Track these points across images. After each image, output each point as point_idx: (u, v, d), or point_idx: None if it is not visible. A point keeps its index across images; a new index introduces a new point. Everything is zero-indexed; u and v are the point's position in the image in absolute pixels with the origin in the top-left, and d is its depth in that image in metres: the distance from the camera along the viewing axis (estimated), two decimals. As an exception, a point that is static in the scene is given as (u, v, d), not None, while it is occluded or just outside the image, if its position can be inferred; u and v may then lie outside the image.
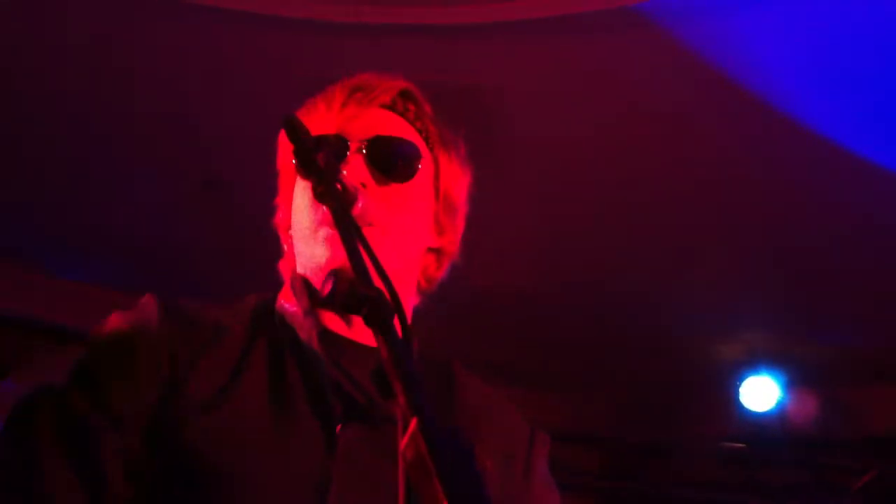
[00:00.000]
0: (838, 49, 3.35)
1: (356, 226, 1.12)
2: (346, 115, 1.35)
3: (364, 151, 1.30)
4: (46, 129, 3.98)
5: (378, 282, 1.03)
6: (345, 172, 1.24)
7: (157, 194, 4.36)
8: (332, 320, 1.30)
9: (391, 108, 1.38)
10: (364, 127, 1.33)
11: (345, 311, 1.01)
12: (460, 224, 1.42)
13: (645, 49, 3.44)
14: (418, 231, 1.35)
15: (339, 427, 1.20)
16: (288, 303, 1.33)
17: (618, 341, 5.34)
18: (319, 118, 1.35)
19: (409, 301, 1.38)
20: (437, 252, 1.40)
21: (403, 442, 0.81)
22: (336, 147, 1.28)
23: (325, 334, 1.28)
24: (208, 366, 1.23)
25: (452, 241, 1.40)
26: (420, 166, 1.34)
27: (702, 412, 5.72)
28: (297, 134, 1.19)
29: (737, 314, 5.12)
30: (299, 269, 1.34)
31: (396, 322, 0.99)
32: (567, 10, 3.30)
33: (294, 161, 1.25)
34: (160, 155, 4.11)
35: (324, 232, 1.26)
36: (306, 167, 1.19)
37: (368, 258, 1.07)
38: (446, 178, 1.39)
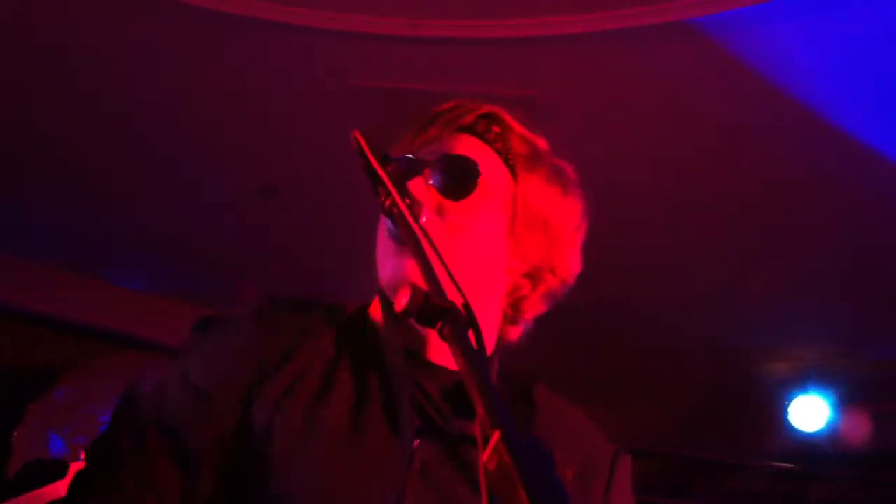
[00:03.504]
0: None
1: (428, 238, 1.13)
2: (424, 139, 1.37)
3: (427, 170, 1.32)
4: (104, 139, 4.05)
5: (452, 295, 1.04)
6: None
7: (215, 202, 4.42)
8: (411, 339, 1.31)
9: (471, 129, 1.38)
10: (434, 148, 1.35)
11: (420, 324, 1.02)
12: (559, 248, 1.38)
13: (699, 62, 3.42)
14: (482, 249, 1.33)
15: (416, 442, 1.22)
16: (376, 317, 1.36)
17: (665, 357, 5.30)
18: (401, 143, 1.38)
19: (488, 318, 1.36)
20: (530, 276, 1.37)
21: (486, 454, 0.81)
22: (403, 167, 1.28)
23: (405, 352, 1.30)
24: (292, 373, 1.26)
25: (547, 265, 1.37)
26: (478, 184, 1.32)
27: (750, 430, 5.65)
28: (365, 148, 1.22)
29: (785, 331, 5.06)
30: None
31: (472, 335, 1.00)
32: (621, 24, 3.30)
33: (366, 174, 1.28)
34: (218, 163, 4.17)
35: (390, 248, 1.28)
36: (374, 181, 1.21)
37: (441, 270, 1.08)
38: (530, 197, 1.37)
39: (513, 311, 1.39)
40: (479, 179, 1.32)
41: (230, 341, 1.30)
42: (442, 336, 0.99)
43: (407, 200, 1.19)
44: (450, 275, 1.10)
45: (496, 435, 0.81)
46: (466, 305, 1.02)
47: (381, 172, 1.21)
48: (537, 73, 3.48)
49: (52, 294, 5.13)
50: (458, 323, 0.99)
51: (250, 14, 3.27)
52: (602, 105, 3.63)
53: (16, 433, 4.43)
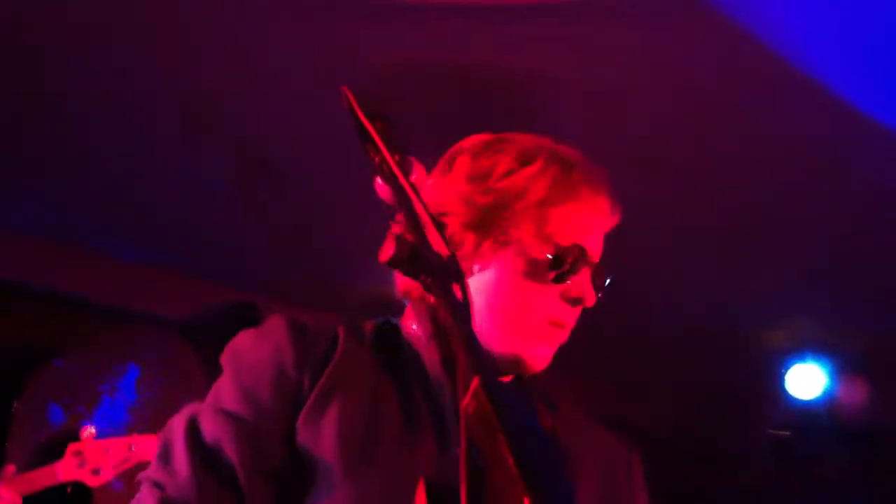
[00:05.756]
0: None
1: (417, 194, 1.13)
2: None
3: None
4: (103, 110, 4.03)
5: (439, 248, 1.04)
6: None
7: (214, 177, 4.39)
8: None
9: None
10: None
11: (405, 275, 1.03)
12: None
13: (697, 34, 3.40)
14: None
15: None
16: (410, 326, 1.39)
17: (660, 329, 5.31)
18: None
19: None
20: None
21: (466, 400, 0.82)
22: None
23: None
24: (335, 383, 1.29)
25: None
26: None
27: (748, 400, 5.67)
28: (354, 105, 1.22)
29: (783, 301, 5.06)
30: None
31: (457, 288, 1.00)
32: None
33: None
34: (218, 137, 4.14)
35: None
36: (363, 138, 1.21)
37: (430, 225, 1.08)
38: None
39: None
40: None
41: (267, 360, 1.31)
42: (426, 288, 1.00)
43: (396, 156, 1.19)
44: (438, 229, 1.10)
45: (475, 380, 0.81)
46: (452, 257, 1.02)
47: (370, 128, 1.20)
48: (526, 43, 3.45)
49: (48, 268, 5.11)
50: (444, 275, 1.00)
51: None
52: (602, 76, 3.60)
53: (16, 404, 4.45)
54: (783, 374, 5.38)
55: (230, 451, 1.25)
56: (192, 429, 1.28)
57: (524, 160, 1.38)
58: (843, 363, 5.33)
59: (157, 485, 1.27)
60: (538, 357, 1.35)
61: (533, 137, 1.45)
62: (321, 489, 1.23)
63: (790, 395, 5.38)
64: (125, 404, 4.75)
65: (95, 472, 3.34)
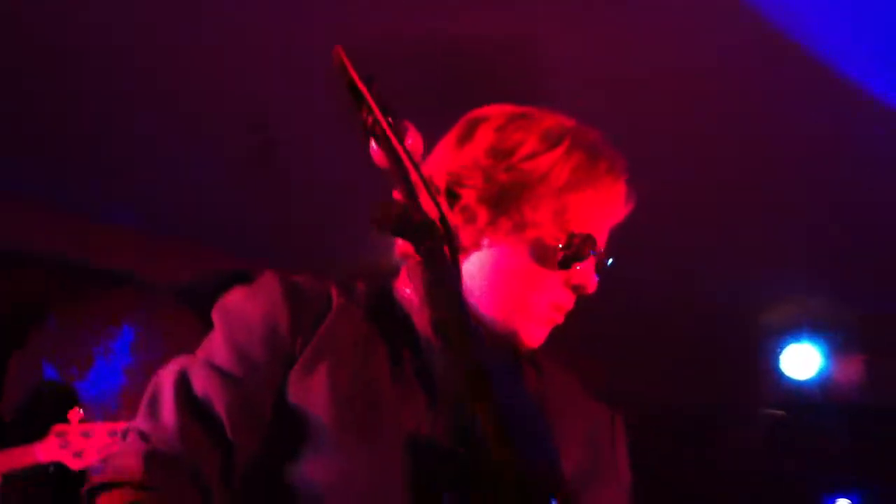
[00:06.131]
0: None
1: (409, 156, 1.12)
2: None
3: None
4: (102, 84, 4.00)
5: (431, 212, 1.03)
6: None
7: (213, 145, 4.38)
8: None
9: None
10: None
11: (395, 236, 1.02)
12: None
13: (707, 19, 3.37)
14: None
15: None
16: (404, 289, 1.38)
17: (656, 307, 5.31)
18: None
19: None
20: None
21: (452, 362, 0.81)
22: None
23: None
24: (328, 342, 1.29)
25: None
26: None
27: (742, 380, 5.69)
28: (347, 65, 1.20)
29: (779, 281, 5.06)
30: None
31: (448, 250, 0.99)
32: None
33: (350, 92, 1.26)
34: (215, 105, 4.11)
35: None
36: (356, 99, 1.19)
37: (423, 190, 1.07)
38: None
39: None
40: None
41: (260, 319, 1.31)
42: (418, 251, 0.99)
43: (390, 119, 1.17)
44: (430, 194, 1.09)
45: (463, 344, 0.80)
46: (444, 220, 1.01)
47: (363, 89, 1.19)
48: (524, 12, 3.41)
49: (44, 232, 5.09)
50: (435, 238, 0.99)
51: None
52: (597, 42, 3.57)
53: (10, 363, 4.47)
54: (778, 354, 5.40)
55: (220, 406, 1.24)
56: (182, 382, 1.28)
57: (550, 142, 1.37)
58: (838, 343, 5.34)
59: (143, 435, 1.26)
60: (533, 336, 1.36)
61: (556, 116, 1.44)
62: (311, 447, 1.22)
63: (785, 375, 5.40)
64: (120, 366, 4.76)
65: (77, 454, 3.33)
